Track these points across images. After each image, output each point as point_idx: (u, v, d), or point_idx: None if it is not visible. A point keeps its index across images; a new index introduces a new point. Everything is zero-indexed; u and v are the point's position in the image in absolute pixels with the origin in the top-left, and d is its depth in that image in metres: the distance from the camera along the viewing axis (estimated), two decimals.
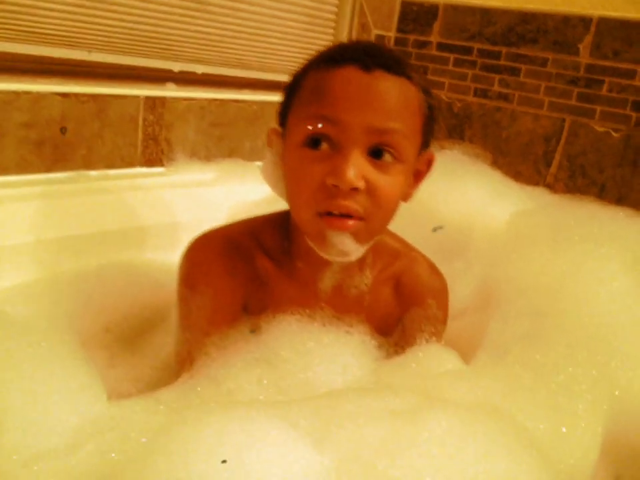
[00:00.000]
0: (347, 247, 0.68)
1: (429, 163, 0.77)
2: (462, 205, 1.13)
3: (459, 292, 0.94)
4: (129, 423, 0.57)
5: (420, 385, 0.66)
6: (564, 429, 0.62)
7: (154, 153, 1.31)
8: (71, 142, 1.16)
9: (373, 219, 0.68)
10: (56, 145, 1.14)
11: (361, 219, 0.67)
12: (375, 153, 0.67)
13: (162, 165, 1.34)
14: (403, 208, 1.26)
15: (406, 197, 0.74)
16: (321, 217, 0.67)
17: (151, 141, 1.30)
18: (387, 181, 0.67)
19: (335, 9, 1.66)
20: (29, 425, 0.54)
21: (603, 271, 0.80)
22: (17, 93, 1.06)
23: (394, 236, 0.84)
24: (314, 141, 0.67)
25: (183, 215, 1.26)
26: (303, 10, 1.56)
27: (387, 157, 0.67)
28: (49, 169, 1.15)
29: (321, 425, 0.56)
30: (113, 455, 0.55)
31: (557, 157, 1.56)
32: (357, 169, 0.64)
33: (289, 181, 0.72)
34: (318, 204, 0.67)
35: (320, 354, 0.71)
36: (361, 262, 0.77)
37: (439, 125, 1.78)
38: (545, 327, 0.76)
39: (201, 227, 1.18)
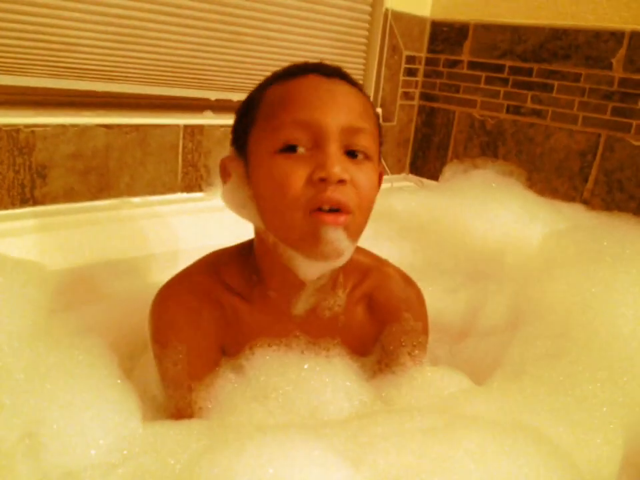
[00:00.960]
0: (341, 244, 0.67)
1: (381, 177, 0.76)
2: (495, 225, 1.13)
3: (490, 312, 0.94)
4: (163, 445, 0.59)
5: (438, 404, 0.66)
6: (582, 441, 0.62)
7: (193, 179, 1.36)
8: (115, 170, 1.22)
9: (359, 213, 0.69)
10: (101, 173, 1.20)
11: (349, 212, 0.67)
12: (350, 153, 0.69)
13: (201, 190, 1.38)
14: (437, 228, 1.27)
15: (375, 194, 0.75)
16: (312, 215, 0.66)
17: (190, 168, 1.35)
18: (366, 176, 0.69)
19: (366, 33, 1.69)
20: (67, 440, 0.57)
21: (632, 293, 0.79)
22: (64, 126, 1.12)
23: (363, 251, 0.83)
24: (289, 147, 0.67)
25: (222, 238, 1.29)
26: (334, 35, 1.59)
27: (360, 156, 0.69)
28: (94, 197, 1.20)
29: (355, 446, 0.56)
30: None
31: (593, 172, 1.55)
32: (341, 164, 0.66)
33: (267, 189, 0.69)
34: (307, 202, 0.66)
35: (313, 382, 0.71)
36: (334, 281, 0.76)
37: (472, 143, 1.79)
38: (567, 347, 0.76)
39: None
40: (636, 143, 1.46)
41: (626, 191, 1.50)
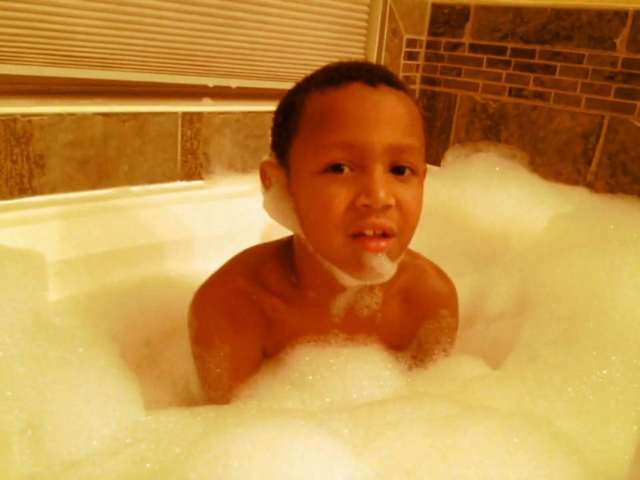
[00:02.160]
0: (383, 268, 0.67)
1: (424, 174, 0.76)
2: (499, 209, 1.12)
3: (496, 297, 0.94)
4: (165, 433, 0.59)
5: (454, 391, 0.66)
6: (597, 430, 0.61)
7: (193, 167, 1.35)
8: (114, 159, 1.21)
9: (403, 235, 0.68)
10: (100, 162, 1.18)
11: (393, 235, 0.66)
12: (396, 169, 0.67)
13: (201, 179, 1.37)
14: (440, 214, 1.26)
15: None
16: (354, 239, 0.66)
17: (190, 155, 1.33)
18: (412, 194, 0.67)
19: (366, 16, 1.67)
20: (69, 430, 0.57)
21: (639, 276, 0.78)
22: (61, 115, 1.11)
23: None
24: (333, 168, 0.66)
25: (223, 226, 1.29)
26: (333, 19, 1.57)
27: (407, 172, 0.67)
28: (93, 186, 1.19)
29: (362, 433, 0.56)
30: (148, 465, 0.57)
31: (597, 154, 1.53)
32: (386, 187, 0.64)
33: (308, 209, 0.68)
34: (348, 226, 0.65)
35: (351, 369, 0.71)
36: None
37: (474, 127, 1.77)
38: (579, 331, 0.75)
39: (240, 237, 1.22)
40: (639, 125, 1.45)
41: (630, 173, 1.48)
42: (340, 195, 0.65)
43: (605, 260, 0.82)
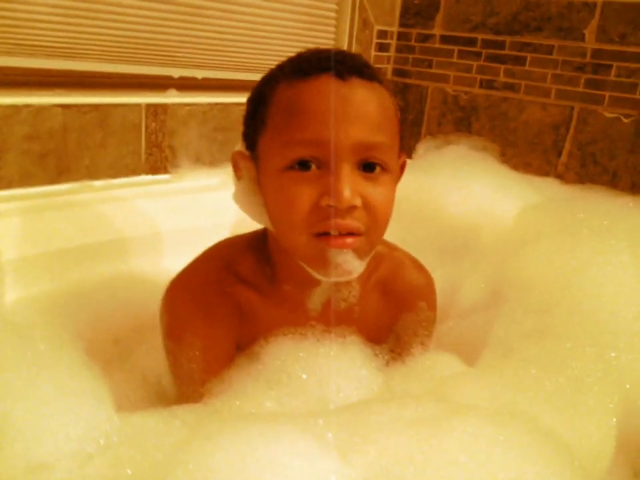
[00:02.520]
0: (350, 265, 0.65)
1: (403, 167, 0.74)
2: (469, 201, 1.12)
3: (467, 290, 0.93)
4: (142, 436, 0.57)
5: (431, 390, 0.65)
6: (576, 424, 0.60)
7: (158, 161, 1.31)
8: (74, 152, 1.16)
9: (372, 233, 0.66)
10: (59, 156, 1.14)
11: (360, 234, 0.65)
12: (365, 167, 0.65)
13: (167, 172, 1.34)
14: (411, 206, 1.25)
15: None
16: (319, 238, 0.64)
17: (155, 149, 1.30)
18: (381, 192, 0.65)
19: (335, 6, 1.65)
20: (32, 433, 0.54)
21: (611, 264, 0.78)
22: (17, 107, 1.06)
23: None
24: (299, 164, 0.64)
25: (190, 221, 1.26)
26: (302, 9, 1.54)
27: (377, 170, 0.65)
28: (53, 181, 1.15)
29: (347, 436, 0.55)
30: (129, 470, 0.55)
31: (567, 145, 1.53)
32: (351, 187, 0.62)
33: (274, 207, 0.67)
34: (313, 226, 0.64)
35: (327, 368, 0.70)
36: None
37: (446, 119, 1.76)
38: (552, 323, 0.75)
39: (209, 232, 1.19)
40: (609, 115, 1.45)
41: (599, 163, 1.49)
42: (304, 195, 0.63)
43: (576, 249, 0.81)
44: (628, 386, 0.67)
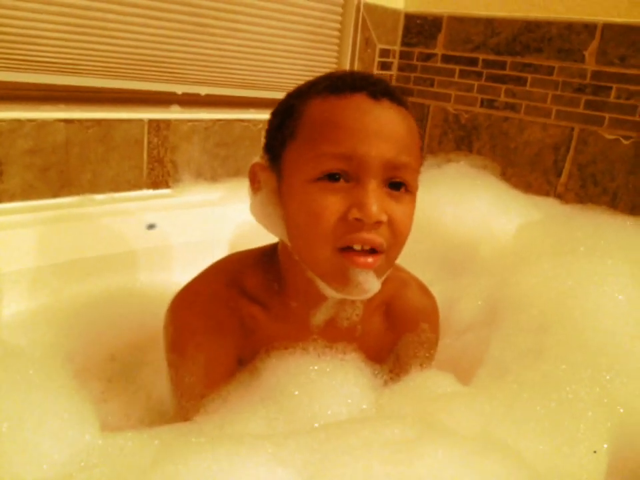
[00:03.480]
0: (369, 285, 0.65)
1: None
2: (469, 218, 1.12)
3: (465, 308, 0.92)
4: (120, 457, 0.56)
5: (420, 411, 0.64)
6: (566, 451, 0.59)
7: (160, 175, 1.32)
8: (77, 167, 1.17)
9: (392, 251, 0.67)
10: (61, 170, 1.15)
11: (382, 252, 0.65)
12: (392, 185, 0.66)
13: (168, 187, 1.34)
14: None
15: None
16: (342, 253, 0.64)
17: (157, 163, 1.31)
18: (404, 212, 0.66)
19: (338, 25, 1.67)
20: (16, 454, 0.53)
21: (608, 284, 0.78)
22: (20, 121, 1.07)
23: None
24: (329, 176, 0.64)
25: (191, 236, 1.26)
26: (306, 27, 1.56)
27: (402, 189, 0.66)
28: (55, 194, 1.16)
29: (317, 460, 0.54)
30: None
31: (567, 166, 1.54)
32: (379, 202, 0.63)
33: (298, 217, 0.67)
34: (338, 239, 0.64)
35: (320, 386, 0.69)
36: None
37: (447, 137, 1.77)
38: (547, 343, 0.74)
39: (210, 246, 1.19)
40: (609, 136, 1.46)
41: (599, 184, 1.49)
42: (332, 206, 0.63)
43: (573, 269, 0.81)
44: (622, 410, 0.66)
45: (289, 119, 0.69)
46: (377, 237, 0.64)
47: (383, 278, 0.69)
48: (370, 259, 0.64)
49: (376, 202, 0.63)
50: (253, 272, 0.76)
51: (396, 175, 0.65)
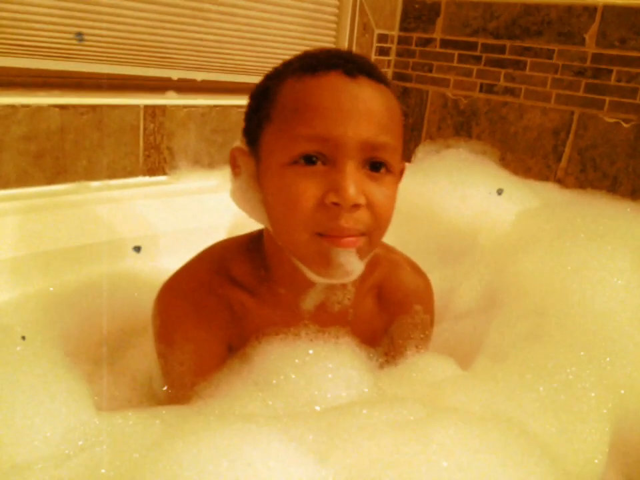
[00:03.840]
0: (351, 266, 0.64)
1: (402, 173, 0.73)
2: (467, 204, 1.11)
3: (464, 294, 0.92)
4: (121, 436, 0.56)
5: (423, 393, 0.64)
6: (569, 430, 0.59)
7: (156, 162, 1.31)
8: (72, 153, 1.16)
9: (374, 234, 0.66)
10: (56, 156, 1.14)
11: (363, 235, 0.64)
12: (371, 166, 0.64)
13: (164, 174, 1.33)
14: (409, 208, 1.25)
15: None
16: (322, 237, 0.63)
17: (153, 150, 1.29)
18: (384, 192, 0.65)
19: (336, 10, 1.65)
20: (10, 434, 0.53)
21: (607, 269, 0.77)
22: (14, 107, 1.06)
23: None
24: (305, 159, 0.62)
25: (188, 223, 1.26)
26: (303, 12, 1.54)
27: (382, 170, 0.65)
28: (50, 181, 1.15)
29: (326, 439, 0.54)
30: (103, 470, 0.54)
31: (567, 150, 1.53)
32: (356, 185, 0.61)
33: (275, 202, 0.66)
34: (317, 224, 0.62)
35: (317, 370, 0.69)
36: None
37: (446, 123, 1.76)
38: (547, 327, 0.74)
39: (206, 233, 1.19)
40: (609, 120, 1.44)
41: (599, 169, 1.48)
42: (308, 191, 0.62)
43: (572, 254, 0.81)
44: (622, 391, 0.66)
45: (264, 101, 0.67)
46: (355, 225, 0.62)
47: (366, 259, 0.68)
48: (353, 238, 0.63)
49: (353, 184, 0.61)
50: (240, 259, 0.75)
51: (375, 155, 0.63)
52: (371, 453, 0.52)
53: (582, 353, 0.69)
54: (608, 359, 0.71)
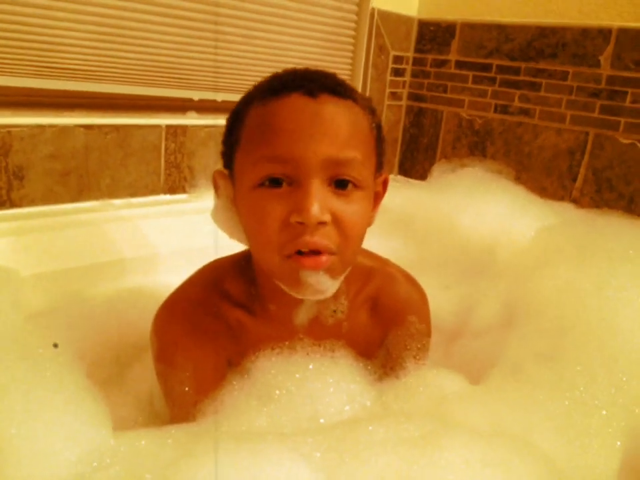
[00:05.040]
0: (322, 285, 0.64)
1: (385, 184, 0.74)
2: (485, 222, 1.12)
3: (483, 311, 0.92)
4: (134, 456, 0.56)
5: (430, 408, 0.64)
6: (578, 448, 0.59)
7: (176, 181, 1.33)
8: (95, 172, 1.19)
9: (344, 251, 0.65)
10: (80, 175, 1.17)
11: (332, 253, 0.63)
12: (336, 183, 0.64)
13: (185, 192, 1.35)
14: (427, 225, 1.26)
15: (369, 220, 0.71)
16: (290, 258, 0.63)
17: (174, 169, 1.32)
18: (352, 209, 0.64)
19: (352, 32, 1.68)
20: (30, 455, 0.53)
21: (626, 289, 0.77)
22: (41, 127, 1.09)
23: (364, 252, 0.78)
24: (270, 181, 0.63)
25: (207, 240, 1.26)
26: (320, 35, 1.57)
27: (349, 186, 0.64)
28: (74, 199, 1.17)
29: (335, 456, 0.54)
30: None
31: (582, 171, 1.53)
32: (320, 203, 0.61)
33: (247, 225, 0.67)
34: (284, 246, 0.63)
35: (317, 383, 0.69)
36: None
37: (461, 143, 1.77)
38: (564, 345, 0.74)
39: (225, 251, 1.20)
40: (624, 141, 1.45)
41: (615, 189, 1.49)
42: (273, 212, 0.62)
43: (591, 272, 0.81)
44: (637, 410, 0.66)
45: (235, 125, 0.68)
46: (321, 239, 0.62)
47: (341, 277, 0.68)
48: (322, 258, 0.63)
49: (317, 202, 0.60)
50: (233, 276, 0.75)
51: (340, 172, 0.63)
52: (379, 470, 0.52)
53: (598, 372, 0.69)
54: (624, 378, 0.70)
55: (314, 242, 0.62)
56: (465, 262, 1.08)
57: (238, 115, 0.68)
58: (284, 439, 0.57)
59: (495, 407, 0.65)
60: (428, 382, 0.74)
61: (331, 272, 0.65)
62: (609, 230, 0.93)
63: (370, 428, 0.58)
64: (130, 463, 0.55)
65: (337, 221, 0.63)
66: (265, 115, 0.64)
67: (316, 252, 0.63)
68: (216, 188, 0.73)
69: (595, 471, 0.61)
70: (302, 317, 0.73)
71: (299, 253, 0.63)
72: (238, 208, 0.69)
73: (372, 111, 0.69)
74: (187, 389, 0.71)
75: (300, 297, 0.68)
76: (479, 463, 0.52)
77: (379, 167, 0.71)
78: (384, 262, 0.82)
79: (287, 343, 0.74)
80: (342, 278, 0.68)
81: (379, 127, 0.70)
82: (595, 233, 0.90)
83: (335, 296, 0.72)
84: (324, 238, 0.62)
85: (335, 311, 0.75)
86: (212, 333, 0.73)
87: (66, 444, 0.56)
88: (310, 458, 0.53)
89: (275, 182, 0.63)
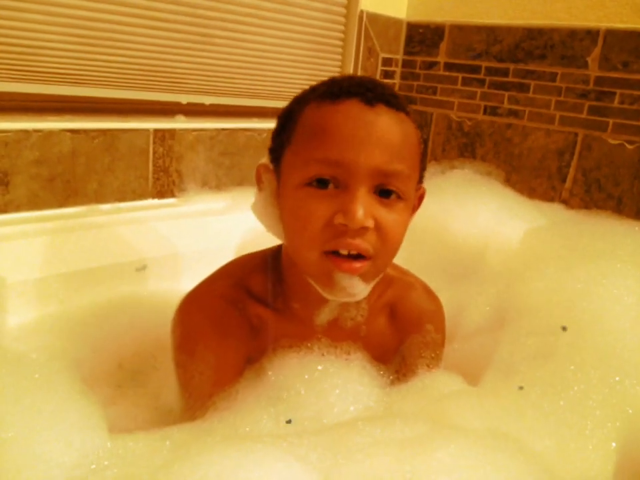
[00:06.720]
0: (354, 289, 0.67)
1: (421, 198, 0.76)
2: (474, 224, 1.12)
3: (473, 312, 0.92)
4: (131, 458, 0.56)
5: (429, 410, 0.64)
6: (572, 448, 0.59)
7: (165, 185, 1.32)
8: (82, 177, 1.18)
9: (380, 258, 0.67)
10: (67, 180, 1.15)
11: (369, 258, 0.65)
12: (381, 192, 0.66)
13: (173, 196, 1.35)
14: (417, 228, 1.25)
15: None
16: (328, 257, 0.65)
17: (162, 173, 1.31)
18: (394, 218, 0.66)
19: (341, 35, 1.67)
20: (26, 459, 0.53)
21: (616, 288, 0.78)
22: (27, 132, 1.08)
23: None
24: (318, 181, 0.65)
25: (196, 245, 1.26)
26: (309, 37, 1.57)
27: (392, 196, 0.66)
28: (61, 204, 1.16)
29: (330, 457, 0.54)
30: None
31: (571, 171, 1.54)
32: (365, 208, 0.63)
33: (289, 220, 0.69)
34: (325, 243, 0.65)
35: (325, 384, 0.69)
36: None
37: (450, 144, 1.77)
38: (556, 345, 0.74)
39: (214, 255, 1.19)
40: (613, 142, 1.46)
41: (604, 189, 1.49)
42: (319, 211, 0.64)
43: (581, 272, 0.81)
44: (630, 410, 0.66)
45: (288, 124, 0.70)
46: (362, 243, 0.64)
47: (373, 283, 0.70)
48: (356, 265, 0.65)
49: (362, 207, 0.62)
50: (257, 274, 0.77)
51: (386, 182, 0.65)
52: (373, 471, 0.52)
53: (591, 372, 0.70)
54: (617, 378, 0.71)
55: (355, 244, 0.64)
56: (455, 264, 1.08)
57: (291, 114, 0.70)
58: (280, 440, 0.57)
59: (490, 409, 0.66)
60: (427, 384, 0.75)
61: (365, 277, 0.67)
62: (598, 230, 0.94)
63: (365, 429, 0.59)
64: (126, 465, 0.55)
65: (378, 228, 0.65)
66: (321, 117, 0.66)
67: (354, 256, 0.65)
68: (259, 181, 0.75)
69: (589, 471, 0.61)
70: (323, 317, 0.75)
71: (336, 254, 0.65)
72: (280, 203, 0.71)
73: (418, 125, 0.71)
74: (204, 379, 0.72)
75: (331, 297, 0.69)
76: (473, 464, 0.53)
77: (420, 180, 0.73)
78: (404, 272, 0.84)
79: (305, 342, 0.75)
80: (374, 283, 0.70)
81: (424, 142, 0.72)
82: (584, 233, 0.91)
83: (356, 301, 0.74)
84: (364, 242, 0.64)
85: (355, 315, 0.76)
86: (234, 328, 0.75)
87: (62, 447, 0.56)
88: (305, 460, 0.54)
89: (323, 183, 0.65)
